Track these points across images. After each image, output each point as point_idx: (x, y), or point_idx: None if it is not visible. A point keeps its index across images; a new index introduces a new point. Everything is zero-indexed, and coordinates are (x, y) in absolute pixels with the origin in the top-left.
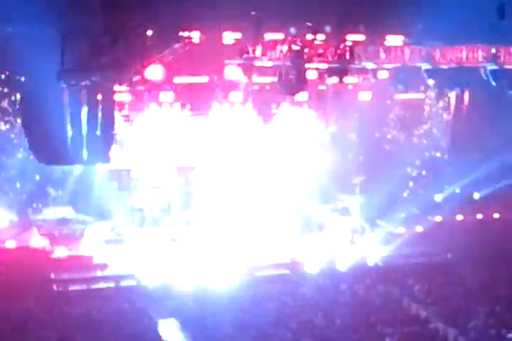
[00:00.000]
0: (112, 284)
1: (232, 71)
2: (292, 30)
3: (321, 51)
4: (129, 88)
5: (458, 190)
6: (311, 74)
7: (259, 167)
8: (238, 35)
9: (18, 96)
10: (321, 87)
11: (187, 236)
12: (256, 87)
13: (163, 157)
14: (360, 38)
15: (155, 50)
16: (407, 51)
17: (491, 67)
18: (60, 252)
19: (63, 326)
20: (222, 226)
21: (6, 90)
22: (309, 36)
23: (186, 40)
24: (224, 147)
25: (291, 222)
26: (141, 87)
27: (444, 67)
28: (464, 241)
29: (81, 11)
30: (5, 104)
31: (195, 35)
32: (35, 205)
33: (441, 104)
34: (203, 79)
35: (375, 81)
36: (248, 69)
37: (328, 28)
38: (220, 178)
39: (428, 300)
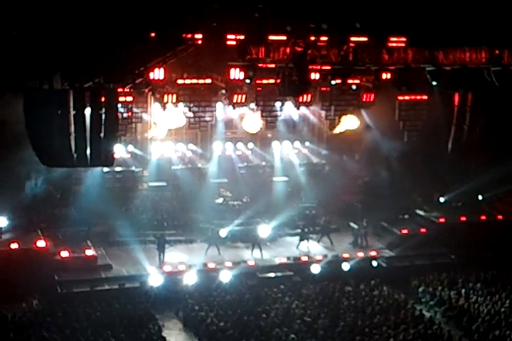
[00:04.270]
0: (115, 286)
1: (236, 73)
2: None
3: (324, 52)
4: (132, 90)
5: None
6: (315, 76)
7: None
8: (241, 37)
9: None
10: None
11: (191, 238)
12: (259, 89)
13: (168, 157)
14: (363, 39)
15: (158, 52)
16: (410, 52)
17: (494, 68)
18: (64, 254)
19: (67, 327)
20: (225, 227)
21: None
22: (312, 38)
23: (189, 42)
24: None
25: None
26: (144, 89)
27: (448, 68)
28: (468, 242)
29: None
30: None
31: (198, 37)
32: (40, 207)
33: (444, 105)
34: (206, 81)
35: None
36: (251, 70)
37: (327, 26)
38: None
39: (432, 301)
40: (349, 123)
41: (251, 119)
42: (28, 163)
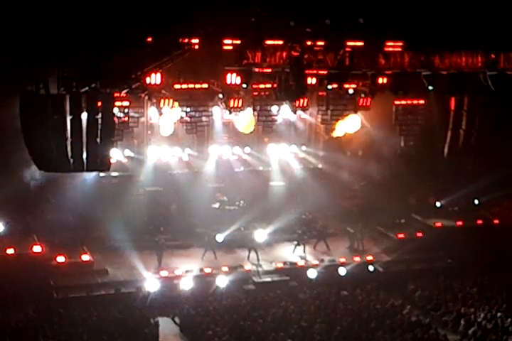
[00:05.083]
0: (111, 291)
1: (232, 77)
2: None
3: (320, 57)
4: (129, 95)
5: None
6: (311, 80)
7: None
8: (238, 42)
9: None
10: None
11: (187, 243)
12: (256, 93)
13: (164, 161)
14: (360, 43)
15: (155, 57)
16: (406, 57)
17: (490, 72)
18: (60, 259)
19: (63, 333)
20: (222, 232)
21: None
22: (309, 42)
23: (186, 47)
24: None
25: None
26: (141, 94)
27: (444, 72)
28: (464, 246)
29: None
30: None
31: (195, 42)
32: (35, 212)
33: (440, 109)
34: (203, 85)
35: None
36: (248, 75)
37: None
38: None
39: (429, 305)
40: (348, 126)
41: (244, 120)
42: (30, 165)
